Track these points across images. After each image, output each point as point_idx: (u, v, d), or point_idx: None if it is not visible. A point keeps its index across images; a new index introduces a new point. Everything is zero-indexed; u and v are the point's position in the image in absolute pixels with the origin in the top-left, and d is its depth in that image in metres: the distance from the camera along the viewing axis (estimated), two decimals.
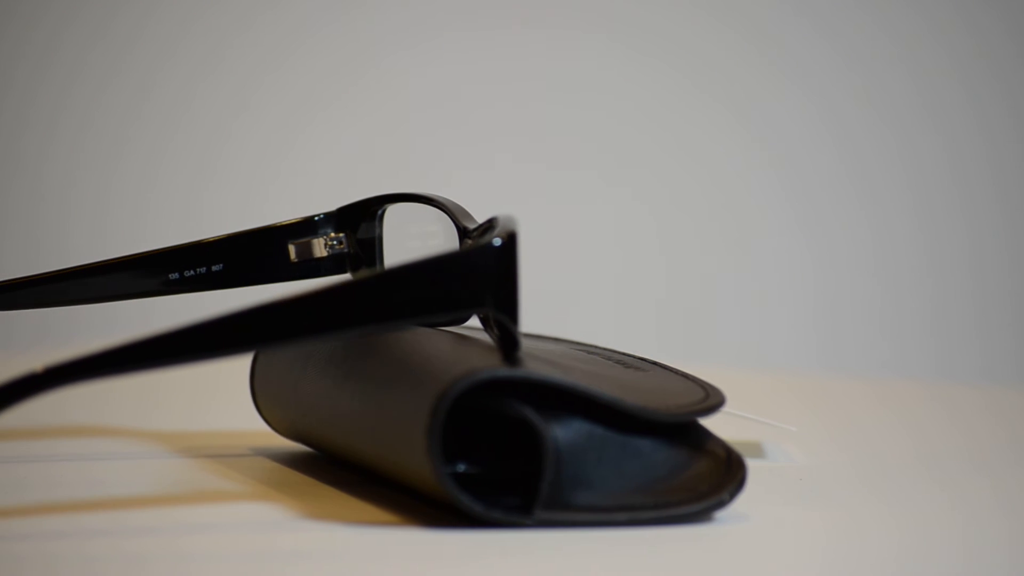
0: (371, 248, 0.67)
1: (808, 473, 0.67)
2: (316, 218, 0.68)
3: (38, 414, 0.77)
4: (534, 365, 0.55)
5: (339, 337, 0.53)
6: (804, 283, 1.47)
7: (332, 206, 0.68)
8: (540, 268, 1.44)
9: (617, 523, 0.54)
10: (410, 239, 0.67)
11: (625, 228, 1.46)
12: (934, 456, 0.74)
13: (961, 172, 1.47)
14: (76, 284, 0.67)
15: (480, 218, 0.62)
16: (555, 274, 1.45)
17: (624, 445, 0.54)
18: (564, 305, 1.45)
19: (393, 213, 0.68)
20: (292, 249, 0.68)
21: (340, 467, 0.63)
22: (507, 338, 0.55)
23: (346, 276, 0.68)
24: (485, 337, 0.60)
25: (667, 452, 0.55)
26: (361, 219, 0.67)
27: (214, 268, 0.67)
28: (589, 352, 0.66)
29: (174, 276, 0.67)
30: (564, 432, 0.53)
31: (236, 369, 0.65)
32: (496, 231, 0.55)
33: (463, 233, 0.62)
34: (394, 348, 0.59)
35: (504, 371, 0.53)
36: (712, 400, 0.57)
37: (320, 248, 0.68)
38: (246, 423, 0.75)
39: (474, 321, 0.59)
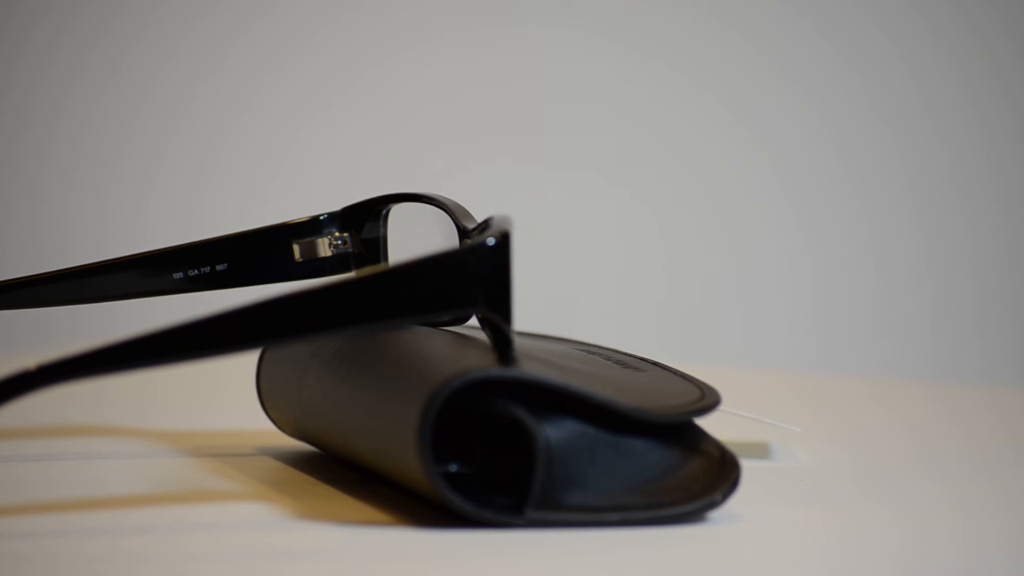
0: (375, 248, 0.68)
1: (809, 474, 0.67)
2: (321, 218, 0.68)
3: (38, 413, 0.77)
4: (528, 365, 0.55)
5: (333, 336, 0.53)
6: (804, 283, 1.47)
7: (332, 206, 0.68)
8: (540, 268, 1.44)
9: (609, 523, 0.53)
10: (414, 239, 0.67)
11: (625, 228, 1.46)
12: (934, 456, 0.74)
13: (961, 172, 1.47)
14: (78, 284, 0.67)
15: (481, 218, 0.62)
16: (555, 274, 1.45)
17: (616, 445, 0.54)
18: (564, 305, 1.45)
19: (397, 213, 0.68)
20: (296, 249, 0.68)
21: (343, 466, 0.63)
22: (500, 338, 0.55)
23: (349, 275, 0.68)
24: (485, 337, 0.60)
25: (660, 452, 0.55)
26: (365, 219, 0.67)
27: (218, 268, 0.67)
28: (590, 352, 0.66)
29: (178, 275, 0.67)
30: (556, 432, 0.53)
31: (235, 368, 0.65)
32: (490, 231, 0.55)
33: (463, 233, 0.63)
34: (392, 348, 0.59)
35: (496, 371, 0.53)
36: (707, 401, 0.57)
37: (324, 248, 0.68)
38: (247, 422, 0.75)
39: (475, 321, 0.59)
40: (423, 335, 0.61)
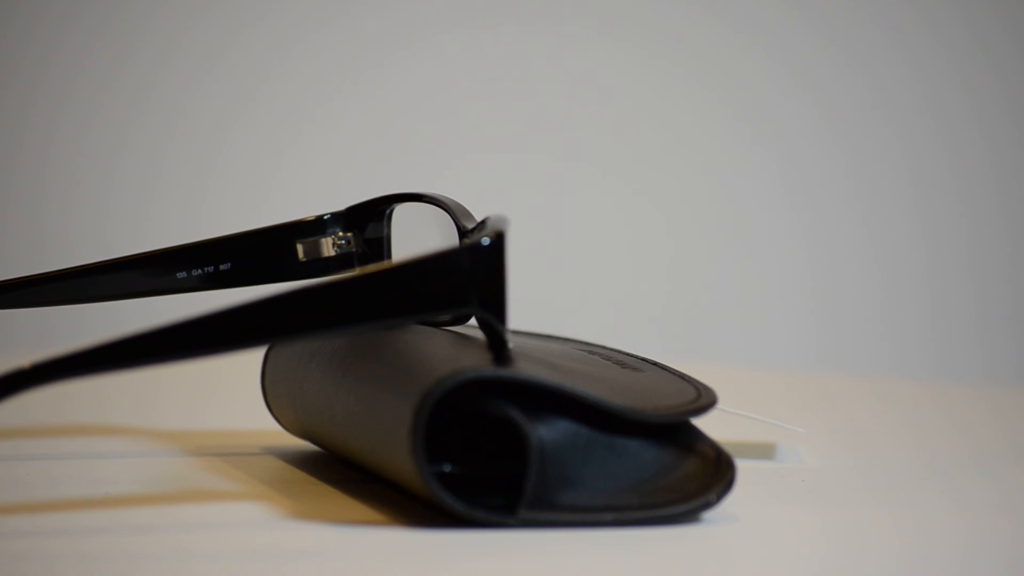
0: (379, 247, 0.68)
1: (812, 475, 0.67)
2: (325, 217, 0.68)
3: (38, 413, 0.77)
4: (523, 365, 0.55)
5: (327, 335, 0.53)
6: (804, 283, 1.47)
7: (332, 206, 0.68)
8: (540, 268, 1.44)
9: (602, 523, 0.53)
10: (417, 239, 0.67)
11: (626, 228, 1.46)
12: (934, 456, 0.74)
13: (961, 172, 1.47)
14: (80, 283, 0.67)
15: (481, 218, 0.62)
16: (555, 274, 1.45)
17: (610, 445, 0.54)
18: (564, 305, 1.45)
19: (401, 213, 0.68)
20: (300, 248, 0.68)
21: (343, 466, 0.63)
22: (494, 337, 0.56)
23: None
24: (483, 337, 0.60)
25: (655, 452, 0.55)
26: (369, 218, 0.68)
27: (222, 267, 0.67)
28: (590, 352, 0.66)
29: (181, 275, 0.67)
30: (549, 432, 0.53)
31: (235, 368, 0.65)
32: (485, 231, 0.55)
33: (463, 233, 0.63)
34: (390, 348, 0.59)
35: (489, 371, 0.53)
36: (703, 401, 0.56)
37: (328, 247, 0.68)
38: (246, 421, 0.75)
39: (475, 321, 0.59)
40: (423, 335, 0.61)
